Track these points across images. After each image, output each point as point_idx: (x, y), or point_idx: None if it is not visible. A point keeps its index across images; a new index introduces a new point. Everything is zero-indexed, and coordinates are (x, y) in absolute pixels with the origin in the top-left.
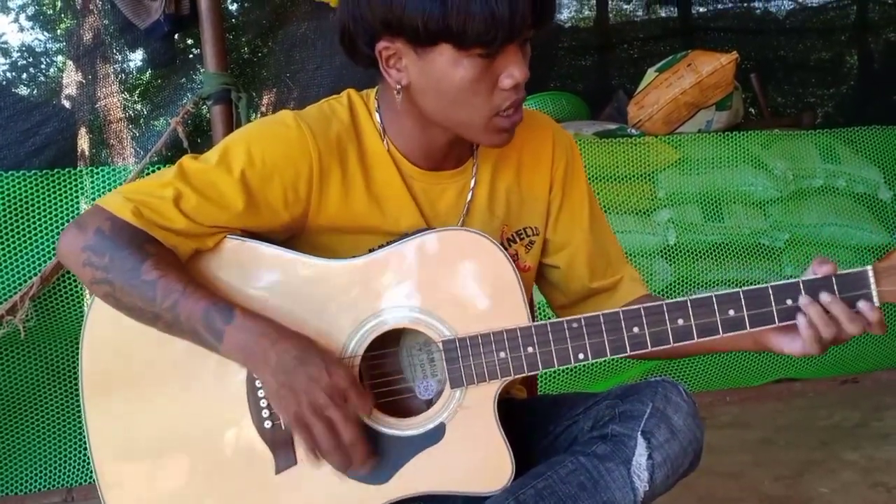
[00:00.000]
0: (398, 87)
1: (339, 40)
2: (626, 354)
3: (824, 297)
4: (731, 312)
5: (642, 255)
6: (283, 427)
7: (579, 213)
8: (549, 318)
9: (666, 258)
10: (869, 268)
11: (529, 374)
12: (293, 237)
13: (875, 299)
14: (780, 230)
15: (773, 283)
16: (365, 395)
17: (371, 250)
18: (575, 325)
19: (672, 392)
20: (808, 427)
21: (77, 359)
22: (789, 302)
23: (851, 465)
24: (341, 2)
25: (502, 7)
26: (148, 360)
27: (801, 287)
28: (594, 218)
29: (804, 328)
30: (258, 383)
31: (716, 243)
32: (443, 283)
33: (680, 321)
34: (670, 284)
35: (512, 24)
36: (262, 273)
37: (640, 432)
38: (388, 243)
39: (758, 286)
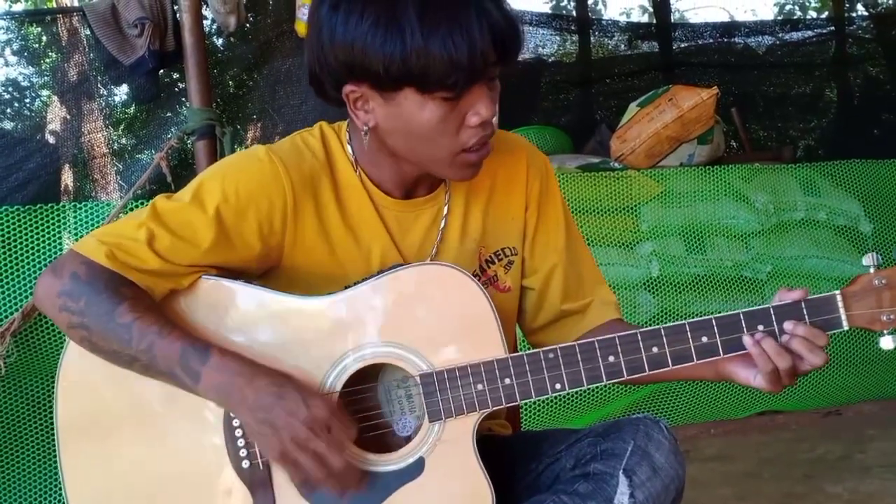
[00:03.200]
0: (365, 128)
1: (308, 82)
2: (603, 383)
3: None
4: (705, 339)
5: (626, 288)
6: (260, 466)
7: (555, 234)
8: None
9: (649, 290)
10: (837, 292)
11: (508, 405)
12: (269, 272)
13: (844, 323)
14: (762, 262)
15: (743, 310)
16: (346, 423)
17: (346, 287)
18: (551, 355)
19: (653, 429)
20: (791, 460)
21: None
22: (760, 328)
23: (835, 499)
24: (307, 47)
25: (461, 51)
26: (122, 405)
27: (772, 312)
28: (570, 239)
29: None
30: (235, 422)
31: (699, 276)
32: (419, 317)
33: (654, 349)
34: (654, 316)
35: (472, 67)
36: (238, 313)
37: (621, 471)
38: (364, 279)
39: (730, 313)
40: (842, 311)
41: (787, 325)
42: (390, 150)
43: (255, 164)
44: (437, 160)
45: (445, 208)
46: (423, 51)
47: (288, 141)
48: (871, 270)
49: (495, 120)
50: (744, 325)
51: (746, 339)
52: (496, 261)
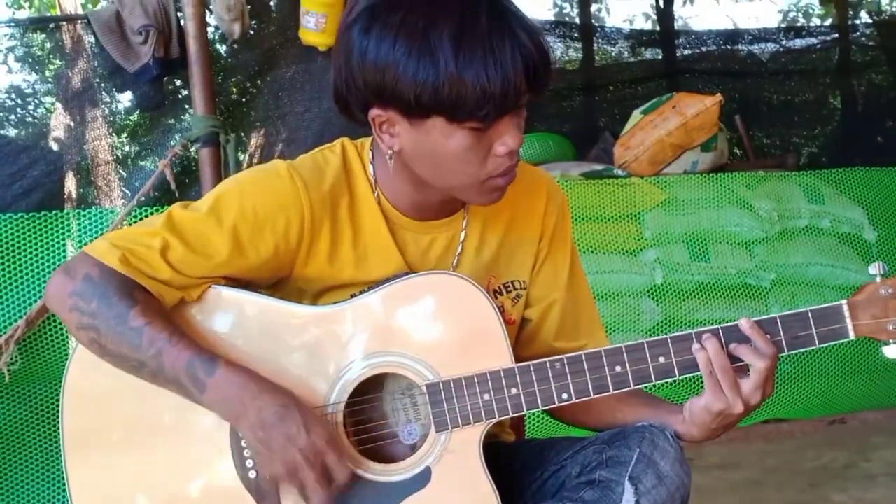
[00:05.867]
0: (390, 152)
1: (333, 100)
2: (609, 393)
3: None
4: None
5: (629, 295)
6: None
7: (561, 271)
8: None
9: (653, 298)
10: (843, 302)
11: (514, 415)
12: (278, 284)
13: (850, 333)
14: (766, 270)
15: (756, 318)
16: (341, 461)
17: (353, 295)
18: (558, 365)
19: (659, 437)
20: (796, 468)
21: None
22: (768, 336)
23: None
24: (334, 67)
25: (494, 83)
26: (129, 414)
27: (778, 322)
28: (574, 278)
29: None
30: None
31: (702, 283)
32: (425, 326)
33: (661, 359)
34: (657, 324)
35: (504, 98)
36: (245, 322)
37: (627, 478)
38: (370, 288)
39: (734, 322)
40: (848, 321)
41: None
42: (414, 174)
43: (275, 181)
44: (462, 186)
45: (463, 234)
46: (456, 81)
47: (309, 158)
48: (878, 279)
49: None
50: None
51: (694, 346)
52: (504, 292)
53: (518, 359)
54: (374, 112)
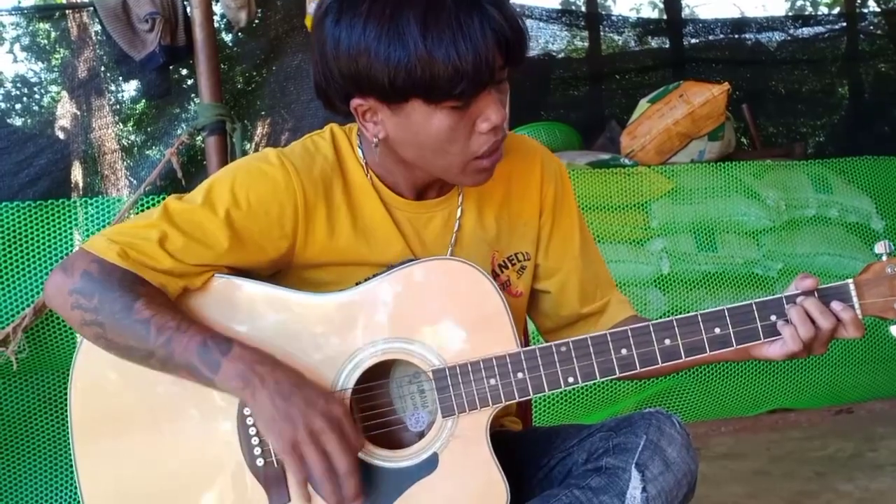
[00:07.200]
0: (375, 140)
1: (315, 95)
2: (616, 376)
3: (805, 301)
4: (717, 330)
5: (636, 285)
6: (275, 464)
7: (570, 239)
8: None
9: (659, 287)
10: (850, 281)
11: (521, 399)
12: (280, 272)
13: (858, 312)
14: (773, 260)
15: (756, 300)
16: (357, 429)
17: (358, 283)
18: (563, 348)
19: (666, 424)
20: (802, 458)
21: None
22: (773, 318)
23: (846, 497)
24: (311, 62)
25: (465, 60)
26: (137, 404)
27: (784, 302)
28: (584, 243)
29: (784, 328)
30: (249, 420)
31: (709, 273)
32: (430, 313)
33: (667, 341)
34: (664, 314)
35: (478, 74)
36: (250, 310)
37: (634, 465)
38: (375, 275)
39: (742, 303)
40: (855, 299)
41: (836, 305)
42: (402, 159)
43: (266, 168)
44: (449, 168)
45: (459, 210)
46: (427, 61)
47: (299, 144)
48: (884, 258)
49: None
50: (756, 315)
51: (789, 306)
52: (509, 265)
53: (548, 328)
54: (355, 102)
